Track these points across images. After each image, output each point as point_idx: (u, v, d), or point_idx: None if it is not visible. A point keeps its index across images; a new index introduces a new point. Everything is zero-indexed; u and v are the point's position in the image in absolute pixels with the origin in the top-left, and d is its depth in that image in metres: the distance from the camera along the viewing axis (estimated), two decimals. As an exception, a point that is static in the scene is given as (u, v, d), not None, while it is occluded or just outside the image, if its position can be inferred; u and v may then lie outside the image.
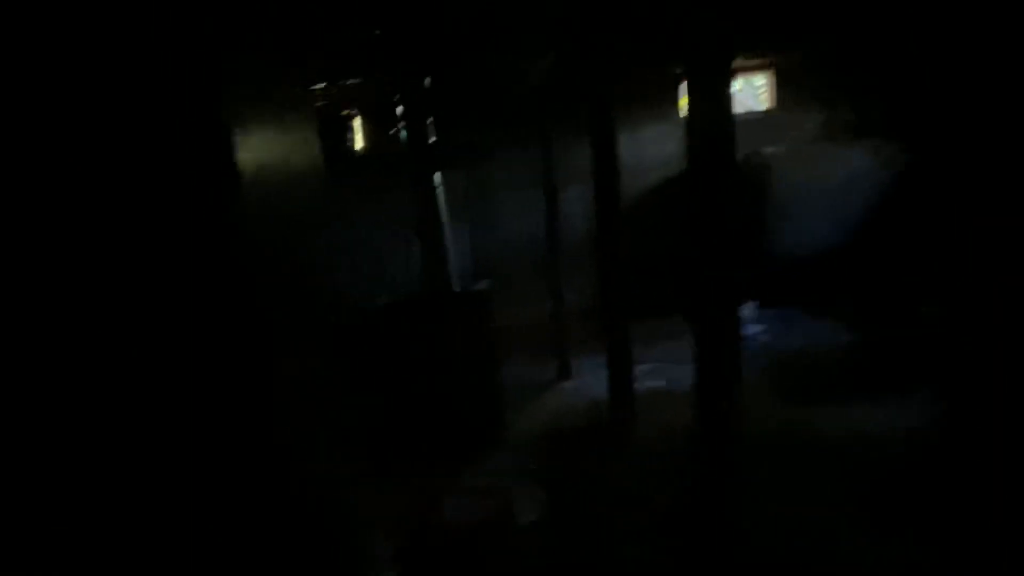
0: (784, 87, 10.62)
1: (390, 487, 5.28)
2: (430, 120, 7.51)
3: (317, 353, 2.50)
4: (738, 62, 10.27)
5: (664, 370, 7.63)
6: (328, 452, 2.50)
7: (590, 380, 7.70)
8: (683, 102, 10.93)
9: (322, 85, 8.87)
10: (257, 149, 2.04)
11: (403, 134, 7.60)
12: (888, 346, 7.26)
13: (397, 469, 5.59)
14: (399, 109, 7.76)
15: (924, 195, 7.89)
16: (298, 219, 2.43)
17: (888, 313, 7.97)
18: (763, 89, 10.86)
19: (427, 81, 7.53)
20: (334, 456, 2.57)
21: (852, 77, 10.03)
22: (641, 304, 7.42)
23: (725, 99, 2.90)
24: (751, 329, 8.30)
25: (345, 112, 11.19)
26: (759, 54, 10.30)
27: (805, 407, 6.24)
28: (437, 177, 7.53)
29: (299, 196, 2.47)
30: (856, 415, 5.89)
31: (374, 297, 7.08)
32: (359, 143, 11.43)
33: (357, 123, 11.39)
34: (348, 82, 8.91)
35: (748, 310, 8.60)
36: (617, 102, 6.00)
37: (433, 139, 7.54)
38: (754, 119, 10.52)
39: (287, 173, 2.33)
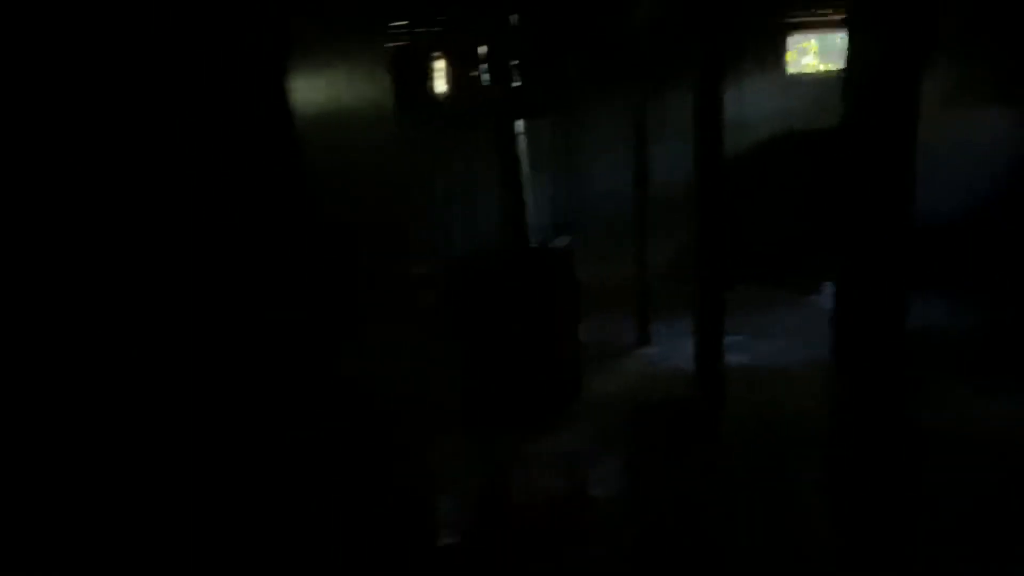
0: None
1: (461, 450, 5.10)
2: (515, 63, 7.06)
3: (388, 312, 2.32)
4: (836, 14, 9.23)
5: (750, 344, 7.17)
6: (402, 414, 2.39)
7: (670, 348, 7.32)
8: (791, 55, 10.15)
9: (401, 23, 8.48)
10: (318, 89, 1.79)
11: (485, 77, 7.18)
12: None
13: (468, 432, 5.40)
14: (482, 50, 7.33)
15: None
16: (365, 167, 2.19)
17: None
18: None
19: (513, 19, 7.03)
20: (407, 418, 2.47)
21: (996, 25, 8.73)
22: (728, 271, 6.92)
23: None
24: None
25: (425, 53, 10.78)
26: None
27: (934, 396, 5.66)
28: (519, 125, 7.14)
29: (366, 142, 2.23)
30: (991, 406, 5.33)
31: (449, 251, 6.83)
32: (439, 87, 11.05)
33: (438, 65, 10.98)
34: (429, 20, 8.48)
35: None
36: (723, 53, 5.40)
37: (517, 84, 7.10)
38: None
39: (352, 116, 2.06)
